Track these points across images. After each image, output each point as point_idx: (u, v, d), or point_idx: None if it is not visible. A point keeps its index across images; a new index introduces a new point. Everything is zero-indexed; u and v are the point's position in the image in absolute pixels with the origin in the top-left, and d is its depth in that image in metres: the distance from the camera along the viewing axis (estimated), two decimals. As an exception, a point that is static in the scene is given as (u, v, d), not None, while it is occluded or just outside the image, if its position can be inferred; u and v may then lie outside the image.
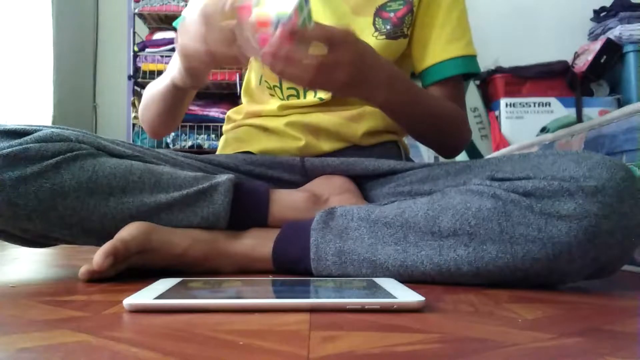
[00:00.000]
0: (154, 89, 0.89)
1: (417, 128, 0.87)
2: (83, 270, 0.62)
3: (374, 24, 0.89)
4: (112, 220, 0.67)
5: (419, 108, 0.82)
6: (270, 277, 0.66)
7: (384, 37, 0.89)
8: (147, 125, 0.95)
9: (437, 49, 0.90)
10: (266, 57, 0.63)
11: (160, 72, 2.53)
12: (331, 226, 0.68)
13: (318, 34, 0.64)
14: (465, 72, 0.91)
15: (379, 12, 0.90)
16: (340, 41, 0.65)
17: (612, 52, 2.33)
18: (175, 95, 0.85)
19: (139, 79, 2.58)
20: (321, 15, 0.89)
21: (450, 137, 0.91)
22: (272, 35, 0.62)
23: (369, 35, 0.89)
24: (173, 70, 0.80)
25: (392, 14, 0.89)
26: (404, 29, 0.90)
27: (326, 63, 0.64)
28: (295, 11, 0.61)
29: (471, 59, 0.91)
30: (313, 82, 0.66)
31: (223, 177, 0.72)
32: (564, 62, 2.39)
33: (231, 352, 0.34)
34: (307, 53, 0.64)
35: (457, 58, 0.89)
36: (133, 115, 2.56)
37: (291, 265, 0.69)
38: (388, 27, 0.89)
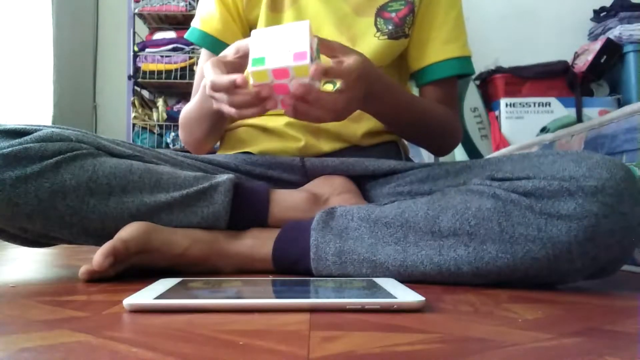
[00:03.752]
0: (193, 112, 0.88)
1: (407, 132, 0.91)
2: (83, 270, 0.62)
3: (375, 24, 0.90)
4: (112, 220, 0.67)
5: (408, 115, 0.84)
6: (270, 277, 0.66)
7: (385, 37, 0.89)
8: (191, 143, 0.94)
9: (434, 50, 0.91)
10: (287, 103, 0.64)
11: (160, 72, 2.54)
12: (331, 226, 0.68)
13: (336, 72, 0.65)
14: (459, 73, 0.92)
15: (380, 12, 0.90)
16: (355, 77, 0.66)
17: (612, 52, 2.33)
18: (215, 115, 0.82)
19: (139, 79, 2.58)
20: (322, 16, 0.89)
21: (439, 139, 0.93)
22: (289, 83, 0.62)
23: (371, 35, 0.89)
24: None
25: (393, 14, 0.89)
26: (406, 29, 0.90)
27: (345, 100, 0.66)
28: (310, 55, 0.61)
29: (466, 59, 0.92)
30: (333, 119, 0.67)
31: (223, 177, 0.72)
32: (564, 62, 2.39)
33: (231, 352, 0.34)
34: (321, 91, 0.64)
35: (452, 59, 0.91)
36: (133, 115, 2.56)
37: (291, 265, 0.69)
38: (390, 27, 0.89)
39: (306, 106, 0.64)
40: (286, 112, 0.65)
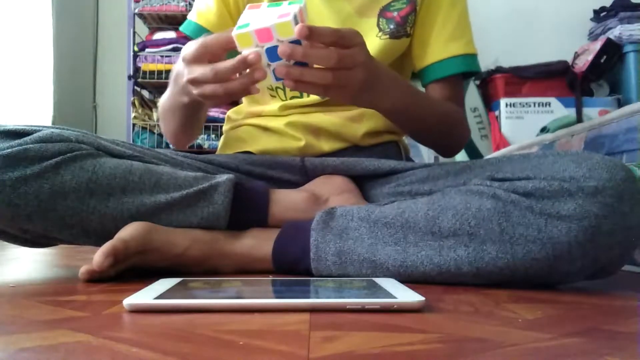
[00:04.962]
0: (166, 103, 0.86)
1: (418, 131, 0.88)
2: (83, 270, 0.62)
3: (377, 24, 0.89)
4: (112, 220, 0.67)
5: (420, 111, 0.82)
6: (270, 277, 0.66)
7: (387, 36, 0.89)
8: (170, 137, 0.93)
9: (438, 48, 0.90)
10: (280, 70, 0.61)
11: (160, 72, 2.54)
12: (331, 226, 0.68)
13: (329, 33, 0.62)
14: (464, 70, 0.91)
15: (382, 12, 0.89)
16: (352, 41, 0.64)
17: (612, 52, 2.33)
18: (192, 107, 0.79)
19: (139, 79, 2.58)
20: (325, 16, 0.89)
21: (449, 138, 0.91)
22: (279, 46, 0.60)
23: (373, 36, 0.89)
24: (177, 88, 0.75)
25: (395, 13, 0.89)
26: (407, 28, 0.90)
27: (343, 61, 0.63)
28: (299, 13, 0.61)
29: (471, 57, 0.91)
30: (332, 87, 0.64)
31: (223, 177, 0.72)
32: (564, 62, 2.39)
33: (231, 352, 0.34)
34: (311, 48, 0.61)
35: (457, 57, 0.89)
36: (133, 115, 2.56)
37: (291, 265, 0.69)
38: (391, 26, 0.89)
39: (299, 69, 0.62)
40: (285, 83, 0.63)
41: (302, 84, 0.63)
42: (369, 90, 0.70)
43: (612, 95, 2.38)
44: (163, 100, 0.88)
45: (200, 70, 0.65)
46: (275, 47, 0.61)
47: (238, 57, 0.62)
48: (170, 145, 2.53)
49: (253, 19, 0.62)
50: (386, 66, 0.74)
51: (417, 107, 0.81)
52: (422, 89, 0.94)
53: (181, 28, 0.96)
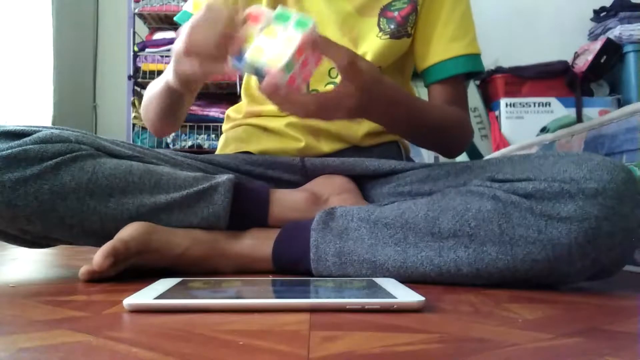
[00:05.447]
0: (153, 89, 0.86)
1: (415, 138, 0.88)
2: (83, 270, 0.62)
3: (378, 24, 0.89)
4: (112, 221, 0.67)
5: (417, 122, 0.81)
6: (270, 277, 0.66)
7: (387, 36, 0.88)
8: (149, 125, 0.93)
9: (440, 48, 0.89)
10: (266, 89, 0.61)
11: (160, 72, 2.52)
12: (331, 226, 0.68)
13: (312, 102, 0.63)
14: (467, 71, 0.90)
15: (383, 12, 0.89)
16: (349, 77, 0.64)
17: (612, 52, 2.33)
18: (172, 96, 0.81)
19: (139, 79, 2.58)
20: (325, 16, 0.89)
21: (450, 142, 0.91)
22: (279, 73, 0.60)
23: (374, 36, 0.88)
24: (169, 71, 0.77)
25: (396, 13, 0.89)
26: (408, 28, 0.89)
27: (331, 99, 0.64)
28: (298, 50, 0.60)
29: (474, 57, 0.90)
30: (316, 116, 0.65)
31: (223, 178, 0.72)
32: (564, 62, 2.39)
33: (231, 352, 0.34)
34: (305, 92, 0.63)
35: (459, 57, 0.88)
36: (133, 115, 2.56)
37: (291, 265, 0.69)
38: (392, 26, 0.88)
39: (281, 97, 0.62)
40: (263, 89, 0.62)
41: (284, 108, 0.64)
42: (362, 112, 0.69)
43: (612, 95, 2.38)
44: (150, 86, 0.88)
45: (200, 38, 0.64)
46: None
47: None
48: (171, 146, 2.54)
49: (264, 41, 0.62)
50: (387, 81, 0.72)
51: (414, 119, 0.80)
52: (425, 89, 0.94)
53: (176, 18, 0.95)
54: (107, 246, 0.61)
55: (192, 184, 0.71)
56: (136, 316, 0.45)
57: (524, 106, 2.29)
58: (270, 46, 0.61)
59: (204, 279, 0.61)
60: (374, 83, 0.68)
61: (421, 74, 0.93)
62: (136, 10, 2.58)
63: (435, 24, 0.89)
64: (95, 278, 0.62)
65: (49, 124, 1.44)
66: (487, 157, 1.75)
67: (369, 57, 0.86)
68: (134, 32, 2.59)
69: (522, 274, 0.61)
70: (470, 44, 0.90)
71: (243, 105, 0.99)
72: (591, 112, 2.27)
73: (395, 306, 0.47)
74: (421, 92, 1.05)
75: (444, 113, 0.87)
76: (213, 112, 2.56)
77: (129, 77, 2.58)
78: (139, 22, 2.67)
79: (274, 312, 0.46)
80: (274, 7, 0.89)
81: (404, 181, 0.80)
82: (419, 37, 0.91)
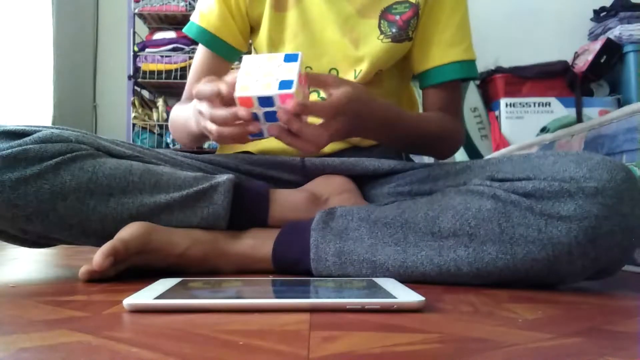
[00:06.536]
0: (180, 116, 0.89)
1: (411, 150, 0.95)
2: (83, 270, 0.62)
3: (379, 26, 0.89)
4: (112, 220, 0.67)
5: (410, 139, 0.86)
6: (270, 277, 0.66)
7: (389, 40, 0.89)
8: (178, 141, 0.98)
9: (437, 53, 0.90)
10: (272, 131, 0.66)
11: (160, 72, 2.54)
12: (331, 226, 0.68)
13: (323, 110, 0.67)
14: (462, 77, 0.92)
15: (384, 14, 0.89)
16: (341, 110, 0.68)
17: (612, 52, 2.33)
18: (200, 132, 0.79)
19: (139, 79, 2.58)
20: (326, 17, 0.89)
21: (442, 149, 0.95)
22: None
23: (375, 38, 0.89)
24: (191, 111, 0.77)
25: (397, 17, 0.89)
26: (409, 32, 0.90)
27: (327, 136, 0.67)
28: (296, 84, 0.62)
29: (470, 63, 0.92)
30: (316, 152, 0.69)
31: (223, 177, 0.72)
32: (564, 62, 2.39)
33: (231, 352, 0.34)
34: (305, 124, 0.65)
35: (455, 63, 0.90)
36: (133, 115, 2.56)
37: (291, 265, 0.69)
38: (394, 30, 0.89)
39: (290, 137, 0.66)
40: (270, 132, 0.67)
41: (293, 146, 0.67)
42: (351, 133, 0.75)
43: (612, 95, 2.38)
44: (176, 112, 0.92)
45: (205, 106, 0.68)
46: (274, 111, 0.64)
47: (232, 110, 0.65)
48: (171, 145, 2.54)
49: (253, 73, 0.64)
50: (377, 102, 0.76)
51: (407, 136, 0.85)
52: (420, 91, 0.96)
53: (184, 30, 0.97)
54: (107, 246, 0.61)
55: (192, 184, 0.71)
56: (136, 316, 0.45)
57: (524, 106, 2.29)
58: (272, 79, 0.64)
59: (204, 279, 0.61)
60: (363, 105, 0.72)
61: (417, 76, 0.94)
62: (136, 10, 2.58)
63: (434, 28, 0.90)
64: (95, 278, 0.62)
65: (49, 124, 1.44)
66: (487, 157, 1.75)
67: (369, 60, 0.87)
68: (134, 32, 2.60)
69: (522, 273, 0.61)
70: (467, 49, 0.91)
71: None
72: (591, 112, 2.27)
73: (395, 306, 0.47)
74: (417, 93, 1.07)
75: (437, 125, 0.89)
76: (213, 112, 2.56)
77: (129, 77, 2.58)
78: (139, 22, 2.67)
79: (274, 312, 0.46)
80: (276, 8, 0.90)
81: (403, 181, 0.80)
82: (418, 40, 0.91)
